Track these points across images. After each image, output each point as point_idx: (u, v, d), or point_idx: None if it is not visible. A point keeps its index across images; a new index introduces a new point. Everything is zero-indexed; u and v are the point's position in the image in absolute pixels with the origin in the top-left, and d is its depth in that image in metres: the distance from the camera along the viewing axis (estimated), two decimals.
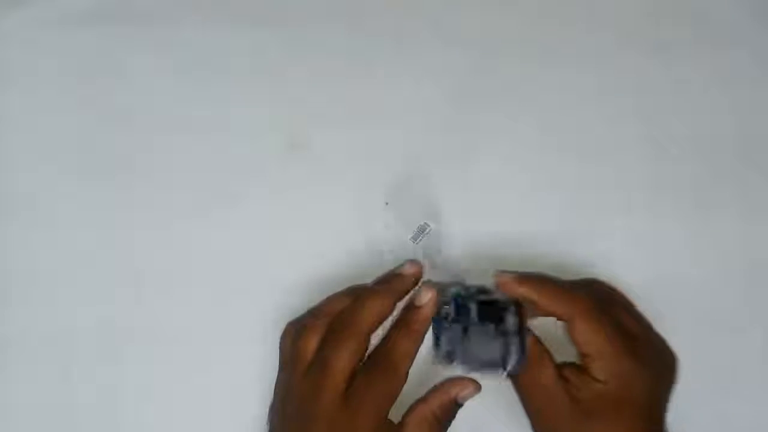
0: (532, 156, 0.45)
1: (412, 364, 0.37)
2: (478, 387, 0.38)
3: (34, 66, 0.46)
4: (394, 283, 0.39)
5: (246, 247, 0.44)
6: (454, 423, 0.41)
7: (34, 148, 0.45)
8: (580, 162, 0.45)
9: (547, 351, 0.37)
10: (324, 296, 0.41)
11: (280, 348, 0.39)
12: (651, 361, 0.36)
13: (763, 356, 0.44)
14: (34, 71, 0.46)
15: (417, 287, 0.38)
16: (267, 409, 0.38)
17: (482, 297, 0.37)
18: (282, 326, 0.39)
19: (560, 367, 0.37)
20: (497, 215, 0.44)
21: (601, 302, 0.37)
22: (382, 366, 0.36)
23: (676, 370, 0.38)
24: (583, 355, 0.36)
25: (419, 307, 0.38)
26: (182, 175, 0.45)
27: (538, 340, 0.38)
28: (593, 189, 0.45)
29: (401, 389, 0.36)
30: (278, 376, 0.39)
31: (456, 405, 0.38)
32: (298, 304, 0.42)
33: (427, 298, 0.38)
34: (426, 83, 0.46)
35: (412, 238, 0.44)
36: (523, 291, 0.37)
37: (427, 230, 0.44)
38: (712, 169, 0.46)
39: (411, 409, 0.38)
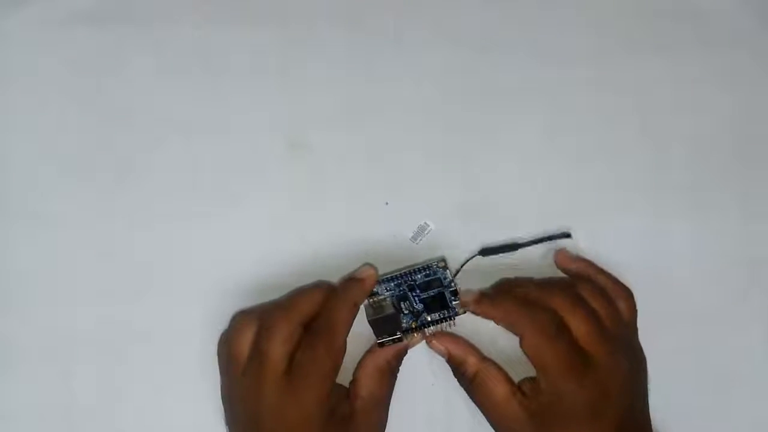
0: (532, 156, 0.45)
1: (348, 332, 0.38)
2: (423, 335, 0.40)
3: (34, 66, 0.46)
4: (344, 284, 0.40)
5: (246, 247, 0.44)
6: (453, 422, 0.42)
7: (32, 148, 0.45)
8: (580, 162, 0.45)
9: (499, 369, 0.39)
10: None
11: (218, 357, 0.40)
12: (598, 382, 0.37)
13: (763, 355, 0.44)
14: (34, 71, 0.46)
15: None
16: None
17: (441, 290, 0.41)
18: None
19: (520, 384, 0.38)
20: (497, 215, 0.44)
21: (554, 319, 0.38)
22: (321, 334, 0.37)
23: (633, 388, 0.38)
24: (534, 367, 0.38)
25: (360, 280, 0.40)
26: (182, 175, 0.44)
27: (485, 361, 0.39)
28: (593, 189, 0.45)
29: (342, 358, 0.37)
30: (221, 386, 0.40)
31: (405, 352, 0.40)
32: None
33: (368, 272, 0.40)
34: (426, 83, 0.46)
35: (412, 238, 0.44)
36: (480, 310, 0.39)
37: (427, 230, 0.44)
38: (712, 169, 0.46)
39: (361, 362, 0.39)
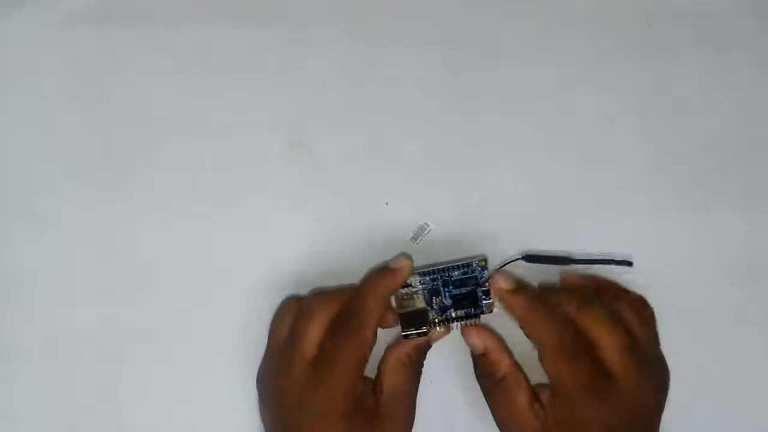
0: (531, 156, 0.45)
1: (377, 323, 0.37)
2: (448, 329, 0.39)
3: (35, 66, 0.46)
4: (377, 273, 0.39)
5: (246, 247, 0.44)
6: (452, 423, 0.42)
7: (34, 148, 0.45)
8: (580, 162, 0.45)
9: (522, 376, 0.38)
10: None
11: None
12: (620, 405, 0.36)
13: (764, 356, 0.44)
14: (35, 71, 0.46)
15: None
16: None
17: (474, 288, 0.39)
18: None
19: (537, 389, 0.37)
20: (497, 215, 0.44)
21: (579, 339, 0.36)
22: (348, 323, 0.37)
23: (654, 410, 0.38)
24: (552, 384, 0.37)
25: (393, 270, 0.39)
26: (182, 175, 0.45)
27: (515, 365, 0.38)
28: (593, 189, 0.45)
29: (370, 349, 0.37)
30: (258, 368, 0.40)
31: (428, 346, 0.39)
32: None
33: (403, 263, 0.39)
34: (426, 83, 0.46)
35: (412, 238, 0.44)
36: (509, 301, 0.38)
37: (427, 230, 0.44)
38: (712, 169, 0.46)
39: (384, 356, 0.39)
